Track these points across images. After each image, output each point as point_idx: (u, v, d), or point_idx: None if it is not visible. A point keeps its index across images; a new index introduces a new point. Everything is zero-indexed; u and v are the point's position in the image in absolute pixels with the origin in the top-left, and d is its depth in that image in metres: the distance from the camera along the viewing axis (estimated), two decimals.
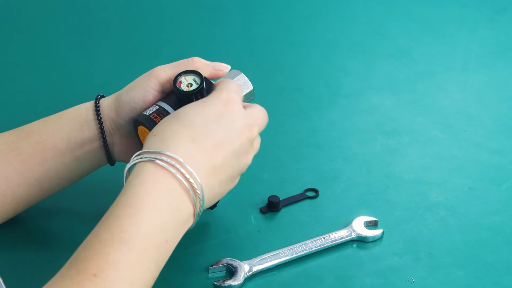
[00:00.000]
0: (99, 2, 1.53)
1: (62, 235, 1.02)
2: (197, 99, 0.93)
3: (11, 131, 0.99)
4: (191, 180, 0.84)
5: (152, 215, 0.81)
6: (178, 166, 0.84)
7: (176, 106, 0.93)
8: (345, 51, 1.40)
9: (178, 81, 0.94)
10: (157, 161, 0.83)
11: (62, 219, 1.04)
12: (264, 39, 1.44)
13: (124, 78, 1.31)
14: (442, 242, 1.01)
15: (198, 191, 0.84)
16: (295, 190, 1.08)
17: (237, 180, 0.92)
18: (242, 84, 0.98)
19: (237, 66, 1.35)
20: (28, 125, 0.99)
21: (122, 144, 0.98)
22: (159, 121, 0.91)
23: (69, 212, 1.05)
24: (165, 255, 0.83)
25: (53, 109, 1.03)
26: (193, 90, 0.93)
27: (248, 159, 0.92)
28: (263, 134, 0.96)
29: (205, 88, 0.94)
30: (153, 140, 0.86)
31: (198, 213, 0.86)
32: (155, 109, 0.94)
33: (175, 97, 0.95)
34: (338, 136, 1.20)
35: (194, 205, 0.85)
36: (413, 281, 0.95)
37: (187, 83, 0.94)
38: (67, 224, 1.03)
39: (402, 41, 1.43)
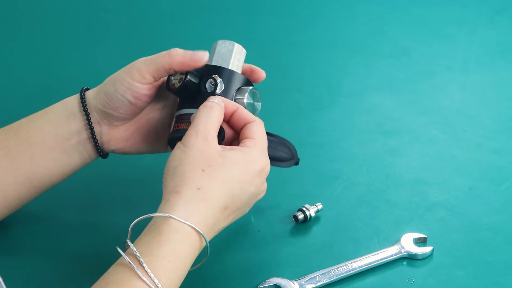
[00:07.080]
0: (97, 2, 1.53)
1: (61, 236, 1.02)
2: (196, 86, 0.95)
3: (0, 130, 0.99)
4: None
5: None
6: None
7: (192, 103, 0.95)
8: (345, 51, 1.40)
9: (171, 84, 0.96)
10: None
11: (61, 222, 1.04)
12: (264, 39, 1.44)
13: None
14: (442, 242, 1.01)
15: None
16: (295, 190, 1.08)
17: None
18: (239, 55, 1.03)
19: None
20: (17, 122, 0.99)
21: (111, 134, 0.98)
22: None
23: (68, 214, 1.05)
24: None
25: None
26: (181, 84, 0.95)
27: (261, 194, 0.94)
28: None
29: (191, 76, 0.95)
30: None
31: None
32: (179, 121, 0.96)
33: (182, 97, 0.97)
34: (338, 136, 1.20)
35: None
36: (413, 281, 0.95)
37: (180, 78, 0.96)
38: (66, 226, 1.03)
39: (402, 41, 1.43)
